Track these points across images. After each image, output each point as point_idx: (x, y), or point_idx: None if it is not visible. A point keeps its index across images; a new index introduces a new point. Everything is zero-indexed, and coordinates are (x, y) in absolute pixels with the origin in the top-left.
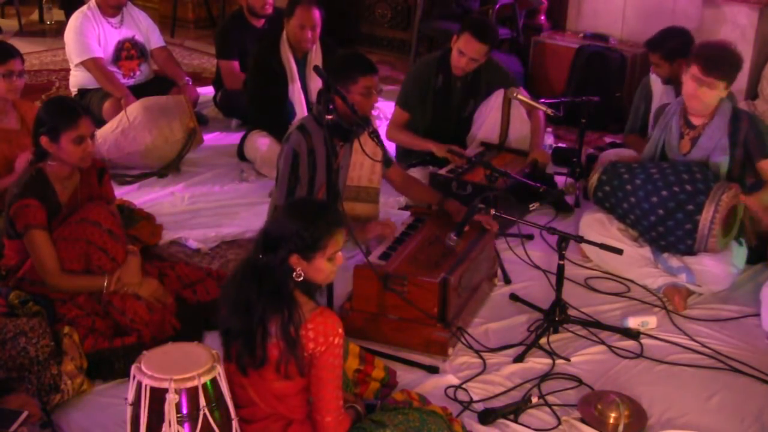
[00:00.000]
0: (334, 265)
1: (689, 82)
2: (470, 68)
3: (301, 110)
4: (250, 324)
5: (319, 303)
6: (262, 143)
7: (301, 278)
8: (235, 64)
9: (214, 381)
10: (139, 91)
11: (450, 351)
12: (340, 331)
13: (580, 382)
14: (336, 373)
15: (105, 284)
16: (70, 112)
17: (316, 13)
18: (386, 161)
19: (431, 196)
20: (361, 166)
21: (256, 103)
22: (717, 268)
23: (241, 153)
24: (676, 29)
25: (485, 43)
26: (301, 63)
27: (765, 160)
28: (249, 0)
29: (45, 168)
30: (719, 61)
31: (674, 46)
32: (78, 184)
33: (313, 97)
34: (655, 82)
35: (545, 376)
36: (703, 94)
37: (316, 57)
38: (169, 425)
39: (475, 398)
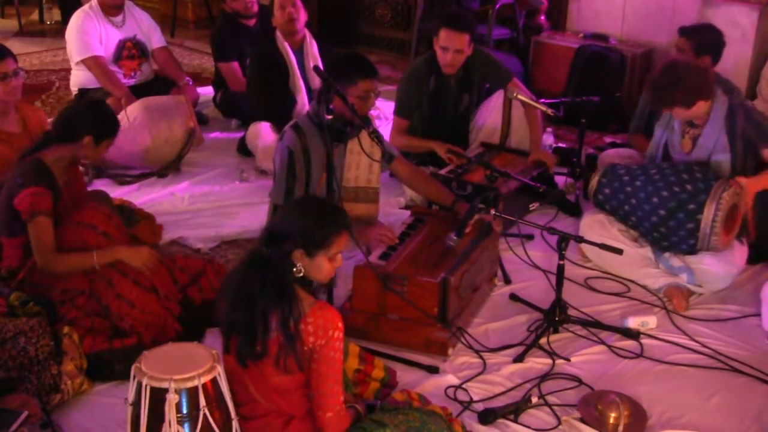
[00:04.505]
0: (333, 265)
1: (679, 115)
2: (459, 62)
3: (302, 99)
4: (251, 317)
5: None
6: (265, 133)
7: (301, 274)
8: (235, 65)
9: (214, 381)
10: (139, 90)
11: (450, 351)
12: (340, 325)
13: (580, 382)
14: (336, 368)
15: (95, 259)
16: (115, 123)
17: None
18: (388, 157)
19: (444, 197)
20: (357, 166)
21: (260, 95)
22: (718, 267)
23: (241, 148)
24: (715, 28)
25: (463, 31)
26: (299, 53)
27: None
28: (232, 5)
29: (43, 157)
30: (693, 88)
31: (709, 39)
32: (67, 168)
33: (314, 85)
34: None
35: (545, 376)
36: (694, 113)
37: (311, 45)
38: (169, 425)
39: (475, 398)
